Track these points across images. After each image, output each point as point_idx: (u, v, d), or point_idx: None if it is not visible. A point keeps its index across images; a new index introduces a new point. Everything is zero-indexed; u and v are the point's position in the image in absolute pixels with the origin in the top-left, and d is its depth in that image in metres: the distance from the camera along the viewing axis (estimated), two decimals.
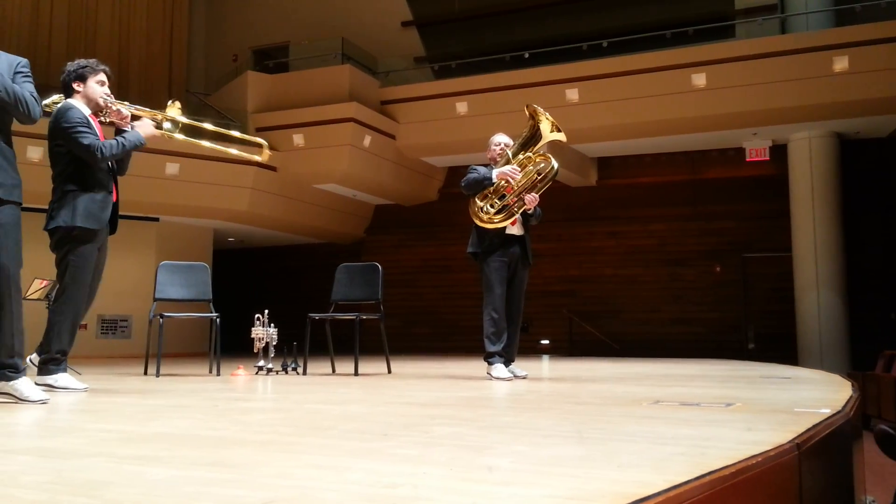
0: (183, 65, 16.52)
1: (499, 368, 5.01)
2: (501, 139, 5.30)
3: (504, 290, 5.12)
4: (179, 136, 4.45)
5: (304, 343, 6.17)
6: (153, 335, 6.02)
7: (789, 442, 1.89)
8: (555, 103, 12.03)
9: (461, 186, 5.19)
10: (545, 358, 11.15)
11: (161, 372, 5.85)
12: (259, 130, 13.18)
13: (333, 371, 6.23)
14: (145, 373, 6.08)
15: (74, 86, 4.12)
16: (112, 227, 4.28)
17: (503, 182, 5.02)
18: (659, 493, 1.33)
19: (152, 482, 1.51)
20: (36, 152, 9.76)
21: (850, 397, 3.26)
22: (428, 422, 2.62)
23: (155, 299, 6.00)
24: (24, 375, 3.28)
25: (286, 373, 6.02)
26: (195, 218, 13.13)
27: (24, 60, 3.38)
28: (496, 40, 14.63)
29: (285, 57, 15.14)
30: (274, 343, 6.09)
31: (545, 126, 5.05)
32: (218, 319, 6.06)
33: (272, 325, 6.11)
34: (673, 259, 13.56)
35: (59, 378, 3.98)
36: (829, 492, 2.21)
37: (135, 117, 4.28)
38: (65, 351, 4.03)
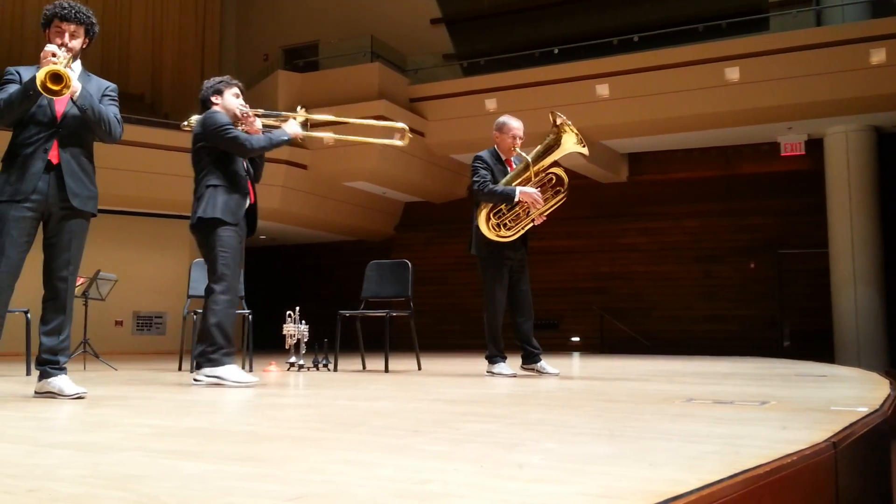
0: (215, 64, 16.68)
1: (500, 366, 5.09)
2: (518, 130, 5.18)
3: (505, 293, 5.14)
4: (325, 135, 4.67)
5: (334, 340, 6.21)
6: (187, 331, 6.10)
7: (825, 441, 1.86)
8: (585, 99, 11.97)
9: (480, 194, 5.05)
10: (576, 355, 11.10)
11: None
12: None
13: (364, 368, 6.26)
14: (179, 368, 6.17)
15: (213, 99, 4.42)
16: (251, 229, 4.49)
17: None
18: (692, 492, 1.32)
19: (186, 476, 1.53)
20: None
21: (888, 395, 3.20)
22: (458, 419, 2.63)
23: (189, 296, 6.08)
24: (65, 373, 3.36)
25: (317, 369, 6.07)
26: None
27: (114, 85, 3.59)
28: (525, 36, 14.56)
29: (315, 56, 15.22)
30: (305, 340, 6.13)
31: (569, 138, 5.01)
32: (250, 316, 6.12)
33: (303, 321, 6.15)
34: (706, 255, 13.40)
35: (231, 371, 4.19)
36: (866, 492, 2.18)
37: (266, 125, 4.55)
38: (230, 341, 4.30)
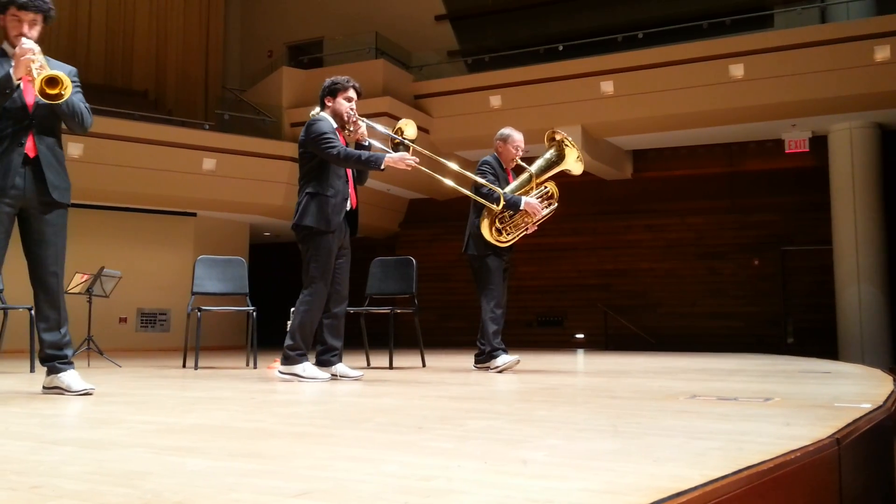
0: (219, 61, 16.69)
1: (504, 358, 5.33)
2: (521, 143, 5.42)
3: (503, 291, 5.44)
4: (424, 169, 4.72)
5: None
6: (191, 328, 6.12)
7: (829, 437, 1.86)
8: (589, 96, 11.95)
9: (488, 197, 5.18)
10: (580, 352, 11.09)
11: (199, 365, 5.94)
12: (294, 125, 13.28)
13: (368, 364, 6.27)
14: (184, 365, 6.18)
15: (325, 101, 4.52)
16: (353, 231, 4.61)
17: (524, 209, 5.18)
18: (695, 488, 1.32)
19: (191, 473, 1.54)
20: (76, 148, 9.96)
21: (892, 392, 3.19)
22: (462, 415, 2.63)
23: (193, 293, 6.09)
24: (73, 368, 3.36)
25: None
26: (232, 213, 13.27)
27: (75, 69, 3.47)
28: (530, 33, 14.54)
29: (319, 52, 15.21)
30: None
31: (571, 153, 5.29)
32: (254, 313, 6.13)
33: None
34: (710, 252, 13.38)
35: (306, 368, 4.36)
36: (870, 488, 2.18)
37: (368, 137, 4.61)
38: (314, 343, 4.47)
